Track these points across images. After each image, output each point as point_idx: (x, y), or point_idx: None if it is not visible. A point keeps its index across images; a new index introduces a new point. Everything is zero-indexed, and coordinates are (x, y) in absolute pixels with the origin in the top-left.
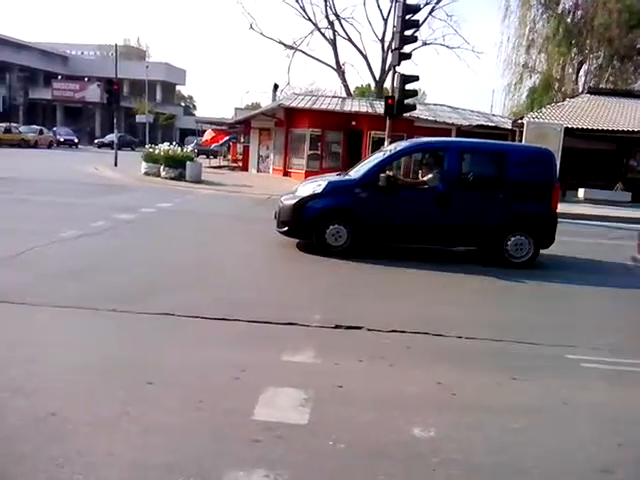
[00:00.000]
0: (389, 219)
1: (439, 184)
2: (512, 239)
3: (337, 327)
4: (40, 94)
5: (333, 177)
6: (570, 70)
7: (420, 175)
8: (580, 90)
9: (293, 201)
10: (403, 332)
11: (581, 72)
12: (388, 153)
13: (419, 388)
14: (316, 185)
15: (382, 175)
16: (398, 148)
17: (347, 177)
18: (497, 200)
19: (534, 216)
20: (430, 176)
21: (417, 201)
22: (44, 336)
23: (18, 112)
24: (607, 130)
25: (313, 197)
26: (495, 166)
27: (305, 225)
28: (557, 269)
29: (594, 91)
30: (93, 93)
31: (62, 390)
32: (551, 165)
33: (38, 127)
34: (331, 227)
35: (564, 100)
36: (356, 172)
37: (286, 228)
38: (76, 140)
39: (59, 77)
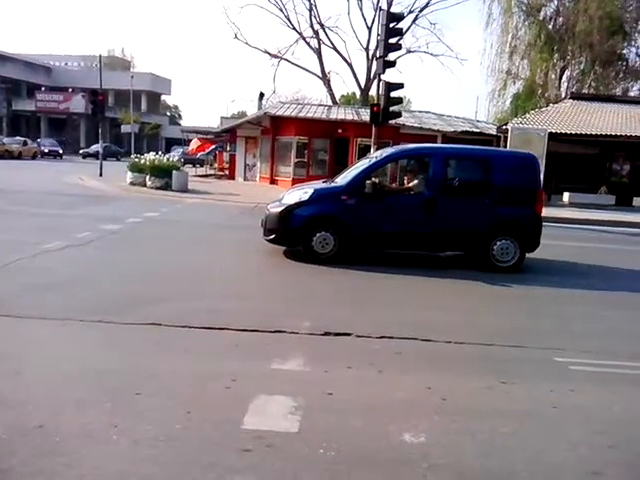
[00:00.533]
0: (376, 225)
1: (425, 190)
2: (498, 243)
3: (326, 334)
4: (24, 105)
5: (319, 184)
6: (553, 76)
7: (406, 181)
8: (563, 96)
9: (280, 209)
10: (392, 338)
11: (564, 78)
12: (374, 160)
13: (409, 394)
14: (302, 193)
15: (368, 182)
16: (383, 155)
17: (333, 184)
18: (482, 205)
19: (519, 220)
20: (416, 182)
21: (403, 207)
22: (30, 348)
23: (1, 124)
24: (590, 134)
25: (300, 205)
26: (480, 172)
27: (292, 233)
28: (543, 273)
29: (577, 96)
30: (77, 104)
31: (49, 402)
32: (535, 170)
33: (22, 138)
34: (318, 234)
35: (547, 106)
36: (342, 179)
37: (273, 236)
38: (60, 151)
39: (43, 88)
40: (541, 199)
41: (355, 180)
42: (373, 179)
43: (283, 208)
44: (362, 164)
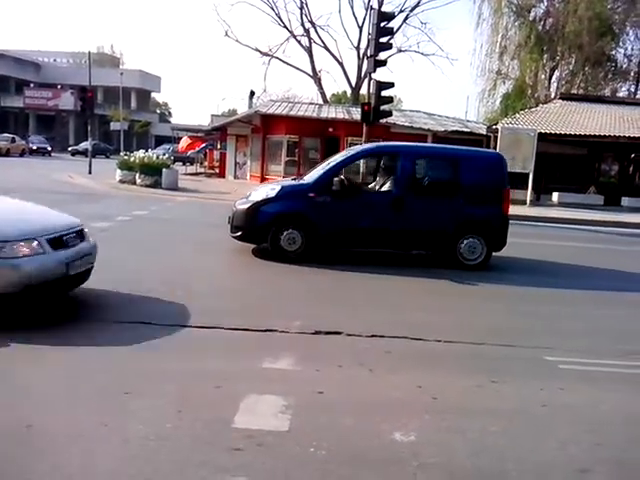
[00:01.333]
0: (343, 223)
1: (393, 188)
2: (465, 242)
3: (317, 333)
4: (12, 102)
5: (287, 181)
6: (542, 76)
7: (375, 179)
8: (552, 96)
9: (246, 205)
10: (382, 337)
11: (553, 78)
12: (342, 157)
13: (399, 392)
14: (270, 189)
15: (336, 179)
16: (351, 152)
17: (301, 182)
18: (450, 204)
19: (486, 219)
20: (384, 180)
21: (372, 205)
22: (16, 348)
23: None
24: (579, 135)
25: (266, 201)
26: (448, 171)
27: (259, 230)
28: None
29: (566, 97)
30: (66, 101)
31: (38, 402)
32: (502, 169)
33: (10, 135)
34: (285, 232)
35: (537, 106)
36: (311, 176)
37: (239, 233)
38: (49, 148)
39: (31, 85)
40: (508, 198)
41: (323, 177)
42: (342, 176)
43: (250, 205)
44: (330, 161)
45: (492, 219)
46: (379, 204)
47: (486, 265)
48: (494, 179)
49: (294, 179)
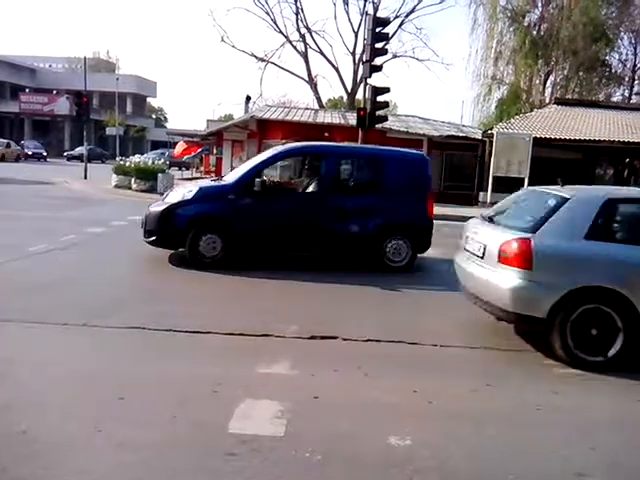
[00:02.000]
0: (266, 226)
1: (317, 189)
2: (390, 244)
3: (312, 338)
4: (7, 107)
5: (205, 182)
6: (537, 81)
7: (298, 180)
8: (547, 101)
9: (161, 208)
10: (379, 341)
11: (548, 83)
12: (264, 157)
13: (395, 397)
14: (186, 191)
15: (257, 180)
16: (274, 152)
17: (221, 183)
18: (375, 205)
19: (411, 221)
20: (309, 181)
21: (296, 207)
22: (13, 352)
23: None
24: (574, 140)
25: (183, 204)
26: (373, 171)
27: (174, 234)
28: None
29: (561, 102)
30: (62, 106)
31: (33, 407)
32: (426, 170)
33: (5, 140)
34: (204, 237)
35: (532, 111)
36: (231, 177)
37: (153, 238)
38: (45, 153)
39: (27, 90)
40: (432, 199)
41: (244, 178)
42: (264, 177)
43: (164, 207)
44: (252, 161)
45: (417, 220)
46: (303, 206)
47: (411, 267)
48: (418, 180)
49: (213, 179)
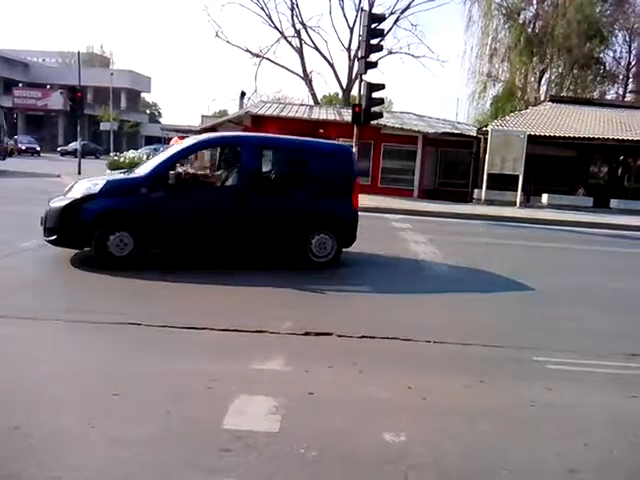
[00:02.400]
0: (182, 222)
1: (237, 182)
2: (315, 238)
3: (307, 334)
4: (0, 102)
5: (114, 175)
6: (532, 79)
7: (217, 172)
8: (542, 98)
9: (63, 203)
10: (373, 338)
11: (543, 81)
12: (180, 148)
13: (389, 393)
14: (92, 184)
15: (172, 172)
16: (191, 142)
17: (132, 175)
18: (298, 198)
19: (336, 214)
20: (227, 173)
21: (214, 201)
22: (6, 348)
23: None
24: (569, 137)
25: (88, 198)
26: (295, 163)
27: (79, 232)
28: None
29: (556, 99)
30: (56, 101)
31: (26, 403)
32: (351, 161)
33: None
34: (113, 235)
35: (527, 108)
36: (143, 169)
37: (54, 237)
38: (38, 148)
39: (20, 85)
40: (357, 191)
41: (157, 170)
42: (179, 169)
43: (67, 202)
44: (167, 153)
45: (342, 213)
46: (222, 200)
47: (336, 262)
48: (343, 172)
49: (123, 172)
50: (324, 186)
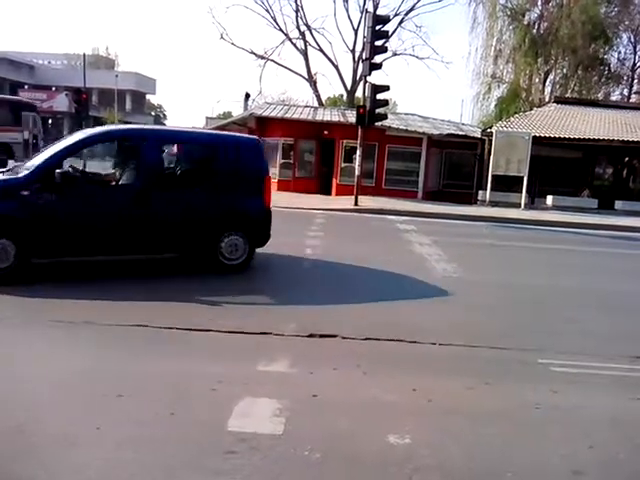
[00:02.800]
0: (73, 227)
1: (137, 180)
2: (226, 240)
3: (311, 336)
4: None
5: None
6: (537, 80)
7: (113, 170)
8: (547, 99)
9: None
10: (378, 340)
11: (547, 82)
12: (68, 143)
13: (394, 395)
14: None
15: (58, 171)
16: (82, 136)
17: (12, 176)
18: (206, 197)
19: (247, 212)
20: (124, 171)
21: (110, 202)
22: (14, 350)
23: None
24: (573, 138)
25: None
26: (202, 158)
27: None
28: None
29: (560, 100)
30: (61, 103)
31: (31, 405)
32: (261, 156)
33: None
34: None
35: (531, 109)
36: (26, 168)
37: None
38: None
39: (26, 87)
40: (269, 188)
41: (41, 169)
42: (68, 168)
43: None
44: (53, 149)
45: (254, 212)
46: (120, 200)
47: (247, 265)
48: (253, 167)
49: (2, 172)
50: (233, 183)
